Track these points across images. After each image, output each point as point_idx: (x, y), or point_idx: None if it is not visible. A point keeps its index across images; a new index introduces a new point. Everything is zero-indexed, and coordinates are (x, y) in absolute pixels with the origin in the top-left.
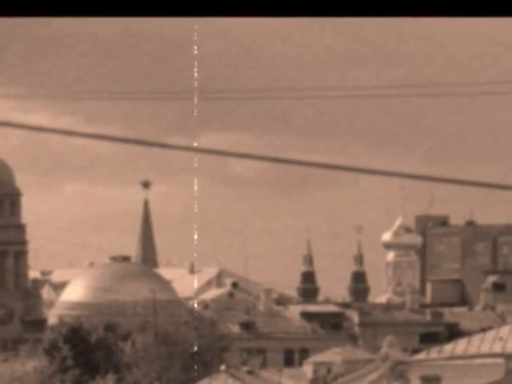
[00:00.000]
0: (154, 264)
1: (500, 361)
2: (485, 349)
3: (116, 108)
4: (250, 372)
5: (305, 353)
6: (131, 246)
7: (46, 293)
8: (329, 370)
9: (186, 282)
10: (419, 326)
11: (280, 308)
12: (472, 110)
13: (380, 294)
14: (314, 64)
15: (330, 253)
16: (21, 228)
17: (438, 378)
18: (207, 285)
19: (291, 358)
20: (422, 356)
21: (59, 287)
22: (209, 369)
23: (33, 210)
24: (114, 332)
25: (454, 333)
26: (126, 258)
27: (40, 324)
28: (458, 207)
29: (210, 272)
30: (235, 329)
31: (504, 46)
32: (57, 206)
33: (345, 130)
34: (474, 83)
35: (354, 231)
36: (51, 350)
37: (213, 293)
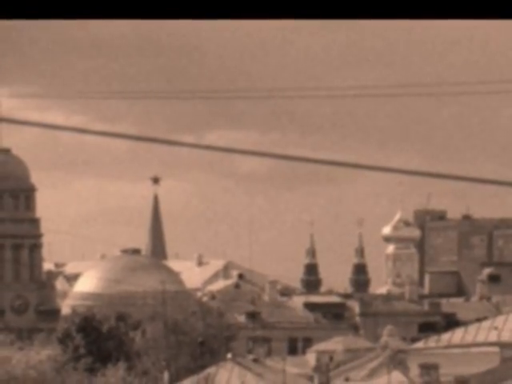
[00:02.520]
0: (164, 256)
1: (495, 349)
2: (481, 338)
3: (126, 107)
4: (255, 360)
5: (308, 342)
6: (141, 239)
7: (59, 284)
8: (331, 358)
9: (194, 274)
10: (418, 316)
11: (284, 299)
12: (470, 108)
13: (380, 286)
14: (316, 64)
15: (333, 246)
16: (35, 222)
17: (435, 366)
18: (214, 276)
19: (295, 347)
20: (420, 345)
21: (72, 279)
22: (216, 357)
23: (47, 204)
24: (124, 322)
25: (451, 322)
26: (136, 251)
27: (54, 314)
28: (455, 202)
29: (217, 264)
30: (241, 319)
31: (504, 46)
32: (70, 201)
33: (346, 129)
34: (473, 83)
35: (355, 225)
36: (65, 339)
37: (220, 284)
